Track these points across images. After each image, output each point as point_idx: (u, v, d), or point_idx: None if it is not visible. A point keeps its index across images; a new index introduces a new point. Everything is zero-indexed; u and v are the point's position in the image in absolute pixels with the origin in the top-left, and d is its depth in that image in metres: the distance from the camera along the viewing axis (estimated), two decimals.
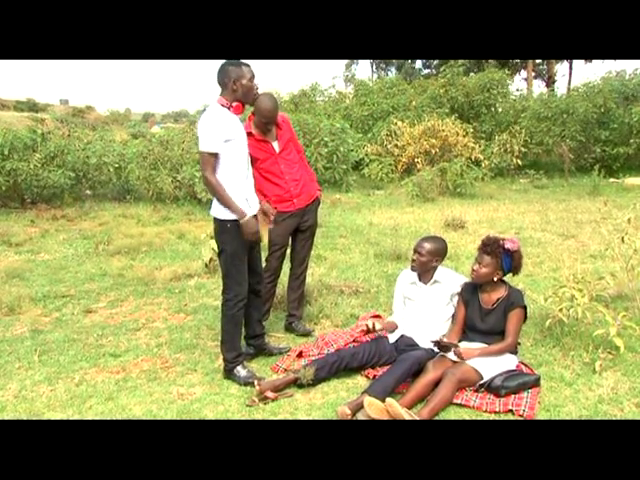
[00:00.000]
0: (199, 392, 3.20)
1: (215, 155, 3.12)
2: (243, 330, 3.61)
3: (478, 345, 3.26)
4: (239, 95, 3.19)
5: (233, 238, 3.21)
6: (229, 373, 3.34)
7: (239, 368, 3.32)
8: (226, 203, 3.16)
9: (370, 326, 3.39)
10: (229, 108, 3.18)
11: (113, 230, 7.85)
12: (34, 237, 7.50)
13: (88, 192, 10.54)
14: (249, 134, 3.55)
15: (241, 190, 3.25)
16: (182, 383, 3.31)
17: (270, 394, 3.04)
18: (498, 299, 3.28)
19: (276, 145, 3.80)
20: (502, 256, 3.22)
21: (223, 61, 3.23)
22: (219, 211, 3.22)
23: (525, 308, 3.28)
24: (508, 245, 3.21)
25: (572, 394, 3.08)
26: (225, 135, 3.12)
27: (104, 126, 24.88)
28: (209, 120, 3.14)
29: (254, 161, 3.66)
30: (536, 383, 3.14)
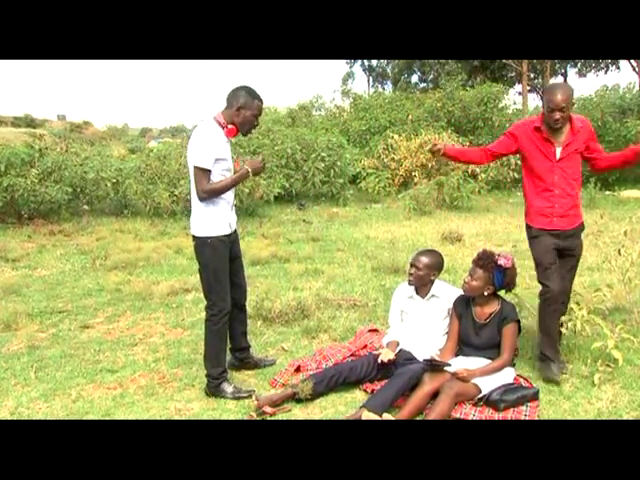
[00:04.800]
0: (197, 408, 3.18)
1: (207, 171, 3.12)
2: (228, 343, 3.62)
3: (473, 360, 3.26)
4: (237, 121, 3.20)
5: (214, 253, 3.22)
6: (214, 390, 3.29)
7: (224, 385, 3.30)
8: (230, 185, 3.19)
9: (385, 361, 3.32)
10: (223, 128, 3.19)
11: (110, 245, 7.85)
12: (31, 252, 7.49)
13: (85, 207, 10.55)
14: (536, 129, 3.36)
15: (224, 210, 3.26)
16: (180, 399, 3.29)
17: (268, 409, 3.02)
18: (491, 313, 3.28)
19: (559, 151, 3.35)
20: (494, 271, 3.23)
21: (241, 84, 3.27)
22: (199, 228, 3.23)
23: (519, 322, 3.28)
24: (501, 261, 3.22)
25: (571, 407, 3.07)
26: (216, 154, 3.13)
27: (102, 141, 24.97)
28: (202, 136, 3.14)
29: (525, 159, 3.46)
30: (535, 397, 3.13)
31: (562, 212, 3.38)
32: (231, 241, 3.35)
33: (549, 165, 3.35)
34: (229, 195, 3.29)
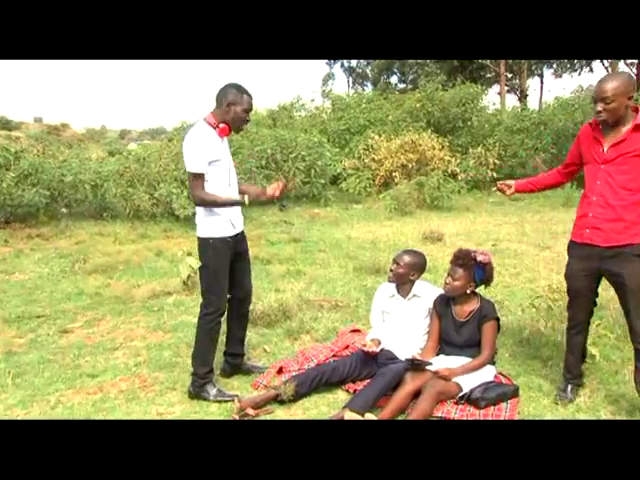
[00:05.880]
0: (178, 411, 3.17)
1: (202, 175, 3.12)
2: (223, 347, 3.60)
3: (455, 359, 3.29)
4: (228, 118, 3.18)
5: (216, 255, 3.22)
6: (198, 390, 3.28)
7: (209, 386, 3.28)
8: (226, 204, 3.19)
9: (371, 351, 3.35)
10: (215, 128, 3.17)
11: (90, 248, 7.75)
12: (8, 257, 7.36)
13: (64, 210, 10.39)
14: (590, 125, 2.96)
15: (227, 212, 3.25)
16: (161, 402, 3.27)
17: (250, 411, 3.02)
18: (471, 311, 3.32)
19: (606, 150, 2.88)
20: (474, 268, 3.27)
21: (227, 82, 3.25)
22: (201, 229, 3.25)
23: (498, 320, 3.32)
24: (480, 257, 3.27)
25: (550, 403, 3.12)
26: (210, 156, 3.12)
27: (80, 144, 24.65)
28: (194, 140, 3.14)
29: (585, 159, 3.01)
30: (515, 394, 3.18)
31: (596, 223, 2.89)
32: (236, 242, 3.33)
33: (595, 167, 2.91)
34: (225, 208, 3.27)
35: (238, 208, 3.37)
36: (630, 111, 2.81)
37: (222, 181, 3.21)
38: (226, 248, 3.25)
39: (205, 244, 3.25)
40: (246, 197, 3.17)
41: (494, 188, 3.48)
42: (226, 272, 3.29)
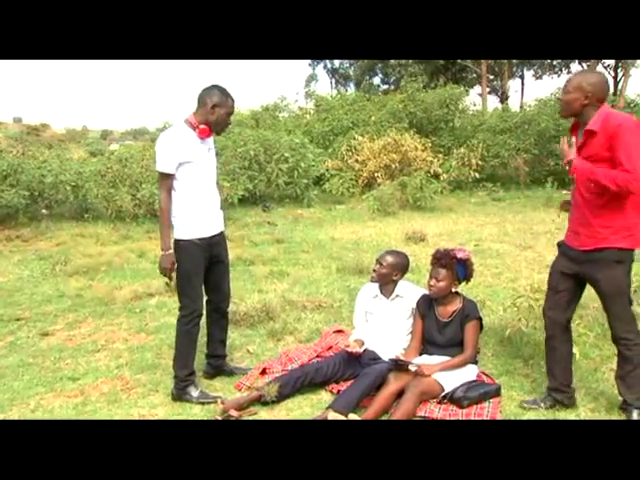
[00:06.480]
0: (161, 413, 3.14)
1: (169, 176, 3.12)
2: (204, 349, 3.58)
3: (438, 358, 3.30)
4: (211, 120, 3.17)
5: (186, 256, 3.21)
6: (181, 392, 3.27)
7: (191, 388, 3.27)
8: (162, 227, 3.19)
9: (354, 351, 3.36)
10: (195, 129, 3.16)
11: (71, 250, 7.67)
12: None
13: (44, 211, 10.28)
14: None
15: (198, 213, 3.23)
16: (144, 404, 3.25)
17: (234, 412, 3.01)
18: (454, 311, 3.34)
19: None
20: (456, 266, 3.29)
21: (213, 83, 3.25)
22: (174, 230, 3.23)
23: (480, 319, 3.35)
24: (460, 255, 3.30)
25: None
26: (181, 157, 3.10)
27: (60, 144, 24.38)
28: (167, 140, 3.13)
29: None
30: (497, 393, 3.20)
31: (573, 226, 2.91)
32: (211, 244, 3.30)
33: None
34: (205, 197, 3.27)
35: (216, 208, 3.36)
36: (596, 113, 2.69)
37: (193, 183, 3.19)
38: (198, 251, 3.22)
39: (176, 246, 3.22)
40: (168, 252, 3.17)
41: (560, 211, 3.30)
42: (199, 275, 3.27)
